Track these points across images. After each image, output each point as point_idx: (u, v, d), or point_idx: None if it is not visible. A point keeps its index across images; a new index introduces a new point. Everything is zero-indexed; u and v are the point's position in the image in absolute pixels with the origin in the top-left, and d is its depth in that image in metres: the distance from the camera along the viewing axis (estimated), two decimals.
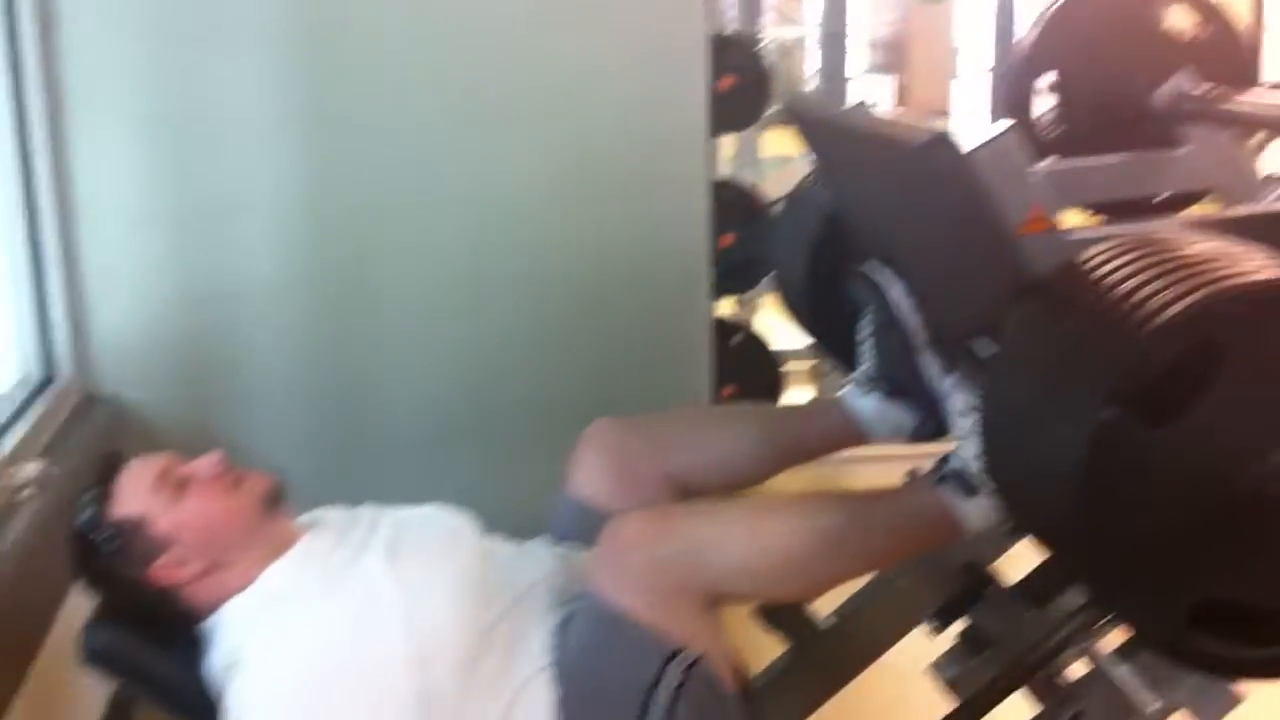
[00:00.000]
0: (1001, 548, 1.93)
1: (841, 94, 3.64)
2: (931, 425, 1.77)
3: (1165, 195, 2.07)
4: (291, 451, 2.64)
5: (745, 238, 3.22)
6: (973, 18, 8.53)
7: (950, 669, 1.77)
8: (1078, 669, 1.68)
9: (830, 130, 1.73)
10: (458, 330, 2.71)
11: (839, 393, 1.91)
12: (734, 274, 3.25)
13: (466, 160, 2.64)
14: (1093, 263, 1.23)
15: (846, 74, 4.18)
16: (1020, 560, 1.85)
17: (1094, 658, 1.58)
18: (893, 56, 10.05)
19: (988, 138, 1.32)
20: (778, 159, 5.43)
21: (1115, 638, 1.64)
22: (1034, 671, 1.68)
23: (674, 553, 1.51)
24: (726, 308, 4.36)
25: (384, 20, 2.56)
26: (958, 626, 1.85)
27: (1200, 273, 1.13)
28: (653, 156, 2.72)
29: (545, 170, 2.67)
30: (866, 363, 1.83)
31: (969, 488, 1.54)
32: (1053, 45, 2.03)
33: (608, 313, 2.76)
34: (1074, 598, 1.72)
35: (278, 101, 2.55)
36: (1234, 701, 1.54)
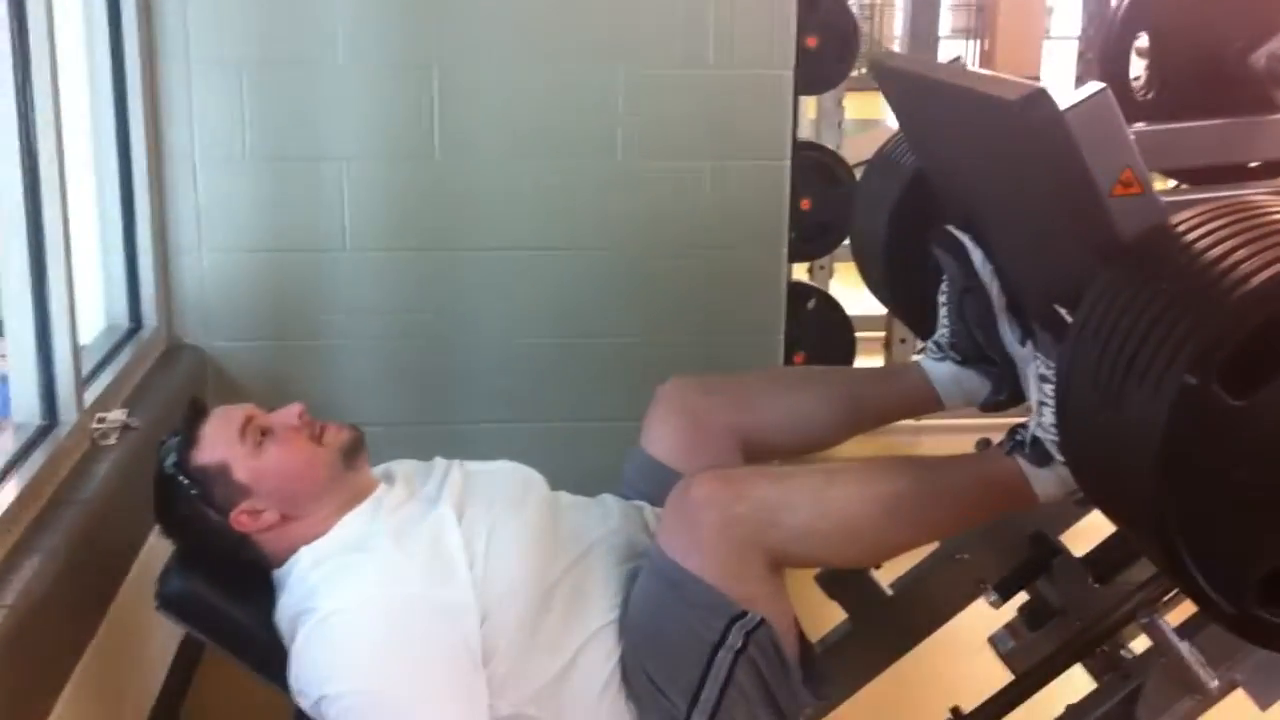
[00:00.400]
0: (1071, 518, 1.92)
1: (931, 56, 3.57)
2: (1005, 393, 1.76)
3: (1260, 162, 2.02)
4: (372, 404, 2.70)
5: (824, 202, 3.21)
6: None
7: (1008, 642, 1.77)
8: (1137, 646, 1.68)
9: (920, 87, 1.71)
10: (540, 287, 2.73)
11: (914, 358, 1.90)
12: (811, 238, 3.24)
13: (553, 113, 2.65)
14: (1182, 227, 1.22)
15: (936, 36, 4.11)
16: (1087, 533, 1.85)
17: (1155, 634, 1.57)
18: (981, 19, 9.88)
19: (1082, 96, 1.30)
20: (860, 122, 5.37)
21: (1177, 614, 1.63)
22: (1094, 646, 1.67)
23: (744, 513, 1.51)
24: (802, 272, 4.36)
25: None
26: (1018, 601, 1.85)
27: None
28: (737, 114, 2.71)
29: (628, 124, 2.67)
30: (943, 328, 1.82)
31: (1043, 456, 1.53)
32: (1147, 5, 1.98)
33: (686, 272, 2.77)
34: (1139, 572, 1.71)
35: (369, 50, 2.57)
36: None
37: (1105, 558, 1.78)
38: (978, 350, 1.75)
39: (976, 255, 1.67)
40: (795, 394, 1.88)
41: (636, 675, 1.55)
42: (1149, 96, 2.01)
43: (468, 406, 2.75)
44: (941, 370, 1.83)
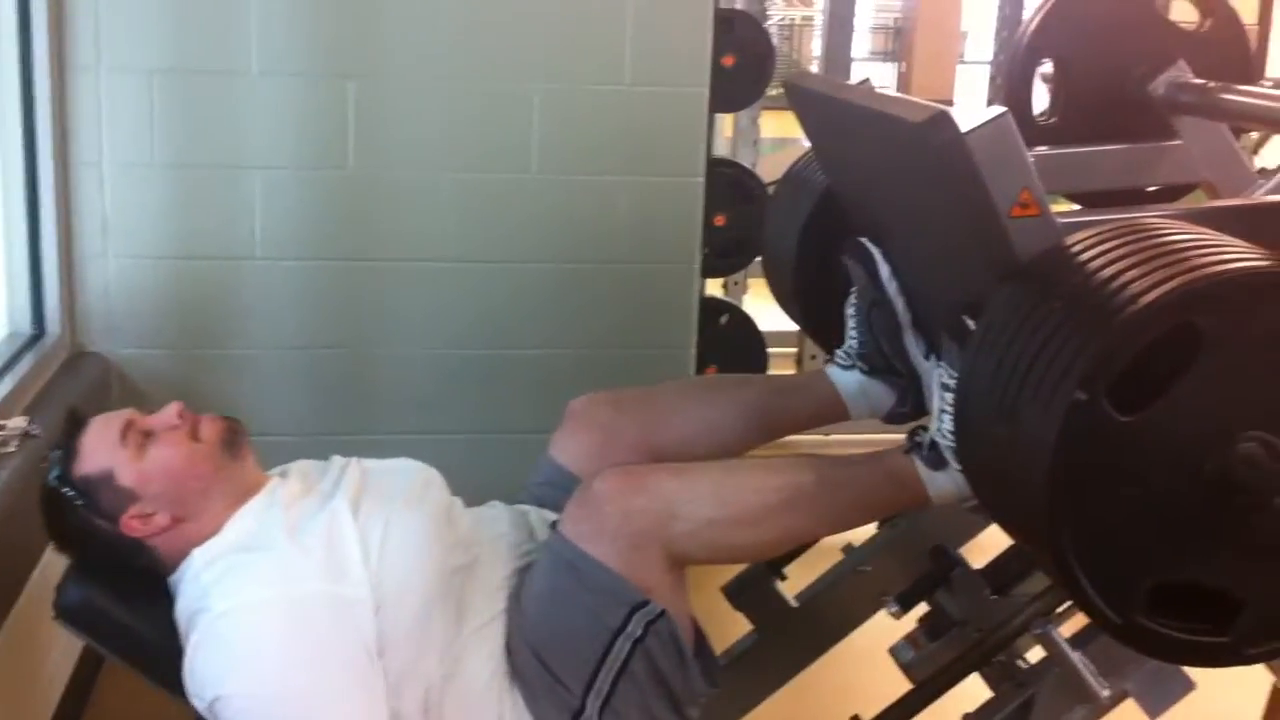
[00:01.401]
0: (970, 532, 1.97)
1: (845, 77, 3.63)
2: (909, 406, 1.80)
3: (1158, 187, 2.08)
4: (284, 414, 2.68)
5: (738, 218, 3.24)
6: (982, 6, 8.50)
7: (909, 652, 1.80)
8: (1033, 656, 1.72)
9: (830, 107, 1.74)
10: (453, 299, 2.73)
11: (824, 367, 1.93)
12: (725, 254, 3.28)
13: (469, 127, 2.65)
14: (1076, 248, 1.26)
15: (851, 58, 4.16)
16: (985, 546, 1.90)
17: (1048, 644, 1.61)
18: (898, 43, 10.04)
19: (983, 120, 1.33)
20: (777, 141, 5.43)
21: (1070, 626, 1.68)
22: (991, 655, 1.71)
23: (645, 504, 1.53)
24: (717, 288, 4.40)
25: None
26: (919, 612, 1.88)
27: (1179, 261, 1.16)
28: (653, 131, 2.73)
29: (545, 140, 2.68)
30: (851, 338, 1.85)
31: (938, 460, 1.57)
32: (1052, 33, 2.03)
33: (599, 286, 2.78)
34: (1035, 584, 1.76)
35: (284, 60, 2.56)
36: (1183, 691, 1.57)
37: (1002, 570, 1.82)
38: (884, 361, 1.79)
39: (884, 270, 1.71)
40: (705, 406, 1.90)
41: (529, 664, 1.56)
42: (1052, 121, 2.06)
43: (380, 417, 2.74)
44: (848, 379, 1.86)
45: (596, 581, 1.52)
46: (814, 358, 3.60)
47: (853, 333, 1.84)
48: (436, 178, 2.65)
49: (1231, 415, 1.17)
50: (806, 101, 1.79)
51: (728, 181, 3.21)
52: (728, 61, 3.13)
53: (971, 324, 1.41)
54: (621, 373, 2.77)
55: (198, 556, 1.54)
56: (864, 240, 1.73)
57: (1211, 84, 1.93)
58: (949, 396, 1.53)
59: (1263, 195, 1.81)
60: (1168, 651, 1.35)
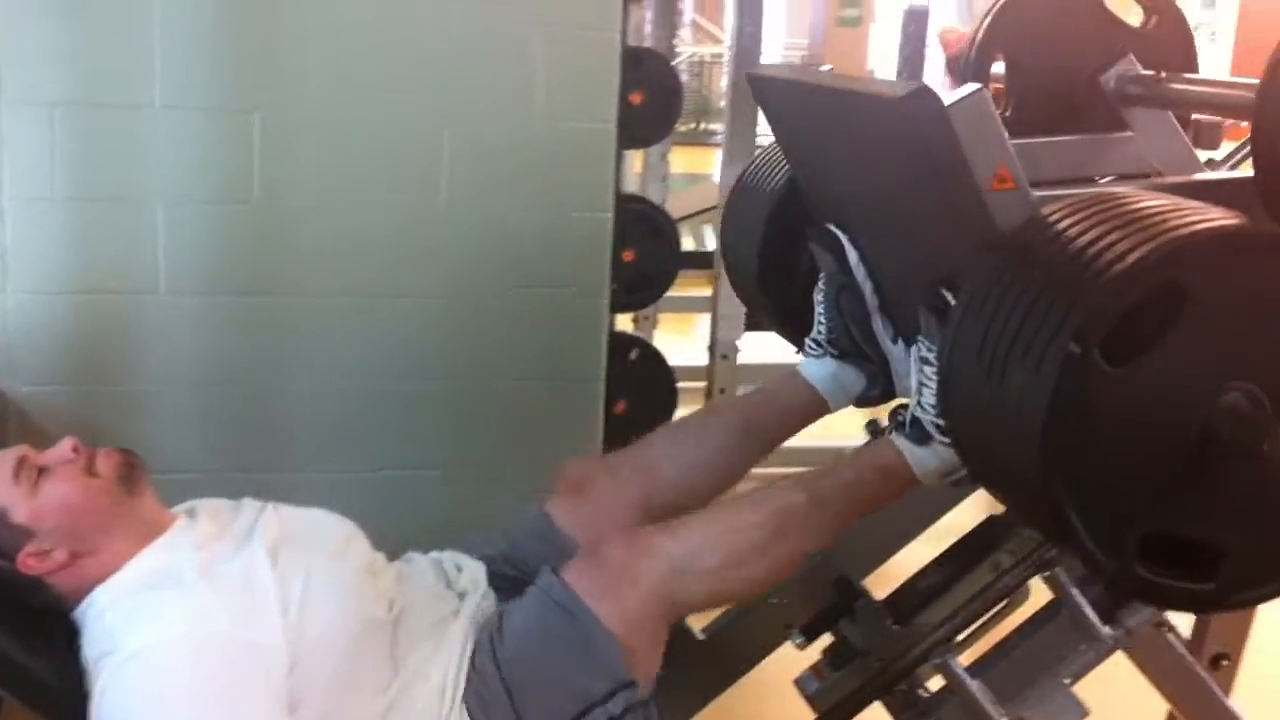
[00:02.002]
0: (873, 563, 2.00)
1: (753, 115, 3.69)
2: (879, 389, 1.84)
3: (1109, 177, 2.12)
4: (189, 452, 2.64)
5: (648, 254, 3.27)
6: (887, 41, 8.66)
7: (813, 683, 1.82)
8: (934, 684, 1.75)
9: (799, 93, 1.77)
10: (362, 333, 2.71)
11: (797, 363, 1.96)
12: (635, 289, 3.30)
13: (376, 160, 2.64)
14: (1055, 217, 1.31)
15: None
16: (888, 578, 1.93)
17: (947, 673, 1.64)
18: None
19: (962, 94, 1.37)
20: (688, 177, 5.48)
21: (969, 655, 1.72)
22: (893, 685, 1.74)
23: (651, 565, 1.57)
24: (627, 323, 4.42)
25: (306, 21, 2.56)
26: (823, 643, 1.91)
27: (1162, 222, 1.22)
28: (561, 166, 2.74)
29: (454, 173, 2.68)
30: (820, 324, 1.88)
31: (922, 435, 1.61)
32: (1003, 31, 2.08)
33: (508, 321, 2.77)
34: (935, 614, 1.79)
35: (188, 93, 2.53)
36: (1078, 717, 1.61)
37: (904, 601, 1.85)
38: (854, 345, 1.83)
39: (852, 255, 1.76)
40: (694, 448, 1.92)
41: (498, 699, 1.55)
42: (1006, 115, 2.12)
43: (286, 453, 2.71)
44: (821, 371, 1.90)
45: (593, 642, 1.54)
46: (723, 391, 3.63)
47: (821, 319, 1.88)
48: (344, 211, 2.64)
49: (1215, 368, 1.23)
50: (771, 91, 1.83)
51: (637, 217, 3.24)
52: (636, 98, 3.16)
53: (950, 297, 1.44)
54: (532, 408, 2.79)
55: (101, 595, 1.52)
56: (831, 227, 1.76)
57: (1159, 75, 2.00)
58: (928, 370, 1.58)
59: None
60: (1160, 598, 1.41)
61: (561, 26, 2.66)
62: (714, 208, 3.99)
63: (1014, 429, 1.25)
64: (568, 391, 2.83)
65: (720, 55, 9.48)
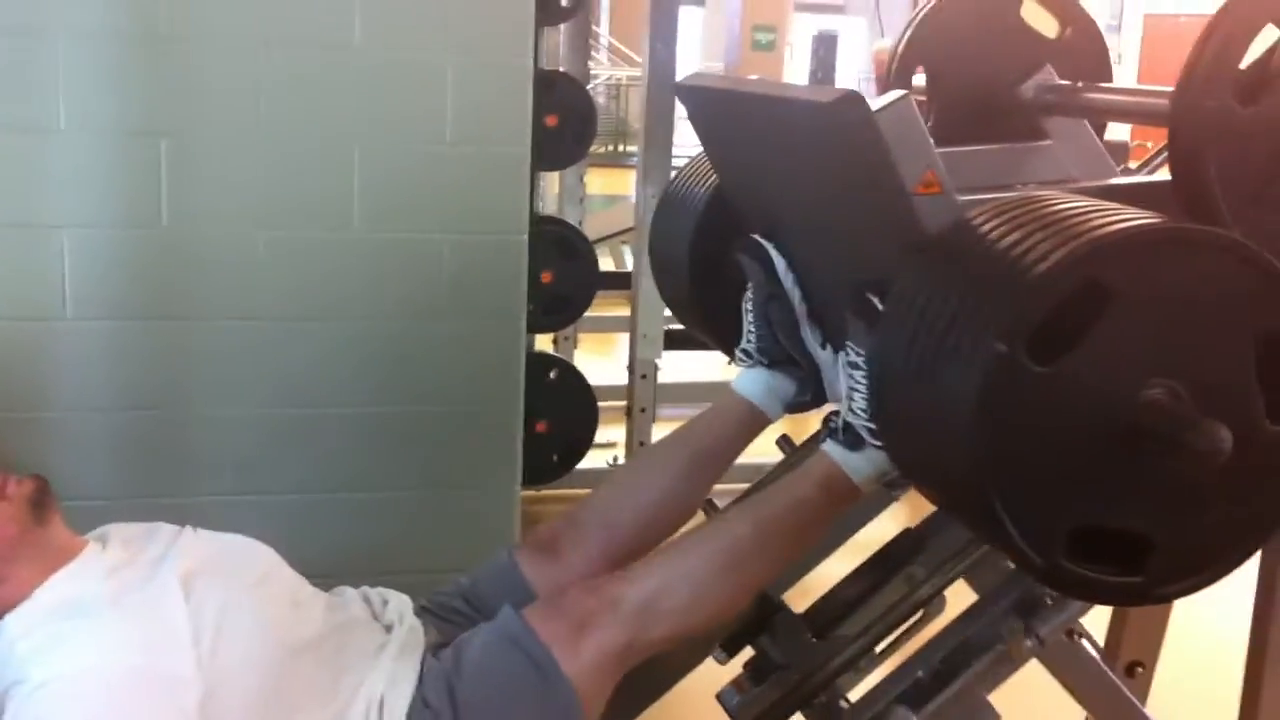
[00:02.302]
0: (791, 578, 2.02)
1: (668, 136, 3.73)
2: (809, 395, 1.86)
3: (1029, 184, 2.17)
4: (98, 478, 2.58)
5: (565, 275, 3.28)
6: (801, 65, 8.79)
7: (734, 697, 1.83)
8: (854, 695, 1.76)
9: (726, 102, 1.77)
10: (275, 358, 2.68)
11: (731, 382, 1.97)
12: (553, 310, 3.32)
13: (287, 184, 2.62)
14: (980, 219, 1.33)
15: (674, 118, 4.27)
16: (806, 592, 1.94)
17: (868, 684, 1.66)
18: None
19: (889, 100, 1.39)
20: (606, 198, 5.51)
21: (886, 667, 1.73)
22: (812, 697, 1.75)
23: (613, 620, 1.58)
24: (547, 343, 4.44)
25: (214, 44, 2.53)
26: (745, 656, 1.91)
27: (1084, 222, 1.24)
28: (476, 189, 2.73)
29: (367, 196, 2.66)
30: (749, 334, 1.89)
31: (855, 440, 1.62)
32: (924, 45, 2.11)
33: (425, 343, 2.76)
34: (853, 626, 1.81)
35: (93, 116, 2.49)
36: None
37: (822, 614, 1.86)
38: (784, 353, 1.84)
39: (780, 264, 1.77)
40: (648, 491, 1.91)
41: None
42: (928, 125, 2.15)
43: (197, 480, 2.66)
44: (754, 383, 1.91)
45: (553, 690, 1.55)
46: (644, 411, 3.65)
47: (750, 328, 1.89)
48: (254, 235, 2.61)
49: (1138, 365, 1.25)
50: (700, 101, 1.84)
51: (553, 238, 3.26)
52: (551, 121, 3.19)
53: (878, 302, 1.46)
54: (451, 430, 2.77)
55: (11, 623, 1.49)
56: (758, 237, 1.78)
57: (1075, 85, 2.04)
58: (858, 374, 1.59)
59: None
60: (1088, 592, 1.42)
61: (473, 52, 2.66)
62: (632, 228, 4.02)
63: (944, 429, 1.27)
64: (486, 413, 2.82)
65: (638, 77, 9.55)
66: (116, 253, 2.56)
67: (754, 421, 1.93)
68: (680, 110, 2.27)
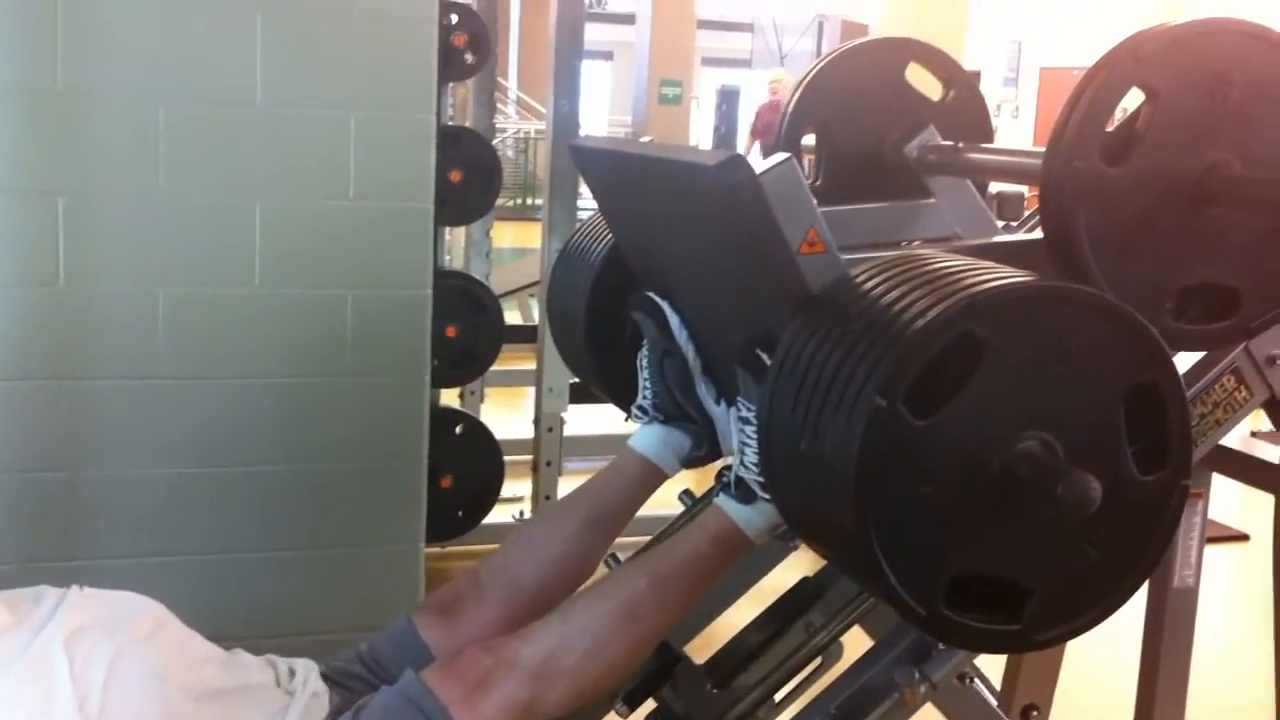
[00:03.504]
0: (693, 629, 2.03)
1: (573, 190, 3.76)
2: (705, 449, 1.87)
3: (913, 241, 2.21)
4: (2, 539, 2.53)
5: (470, 329, 3.29)
6: (706, 119, 8.93)
7: None
8: None
9: (619, 163, 1.80)
10: (175, 416, 2.65)
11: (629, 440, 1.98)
12: (458, 364, 3.32)
13: (187, 241, 2.61)
14: (862, 277, 1.37)
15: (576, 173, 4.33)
16: (708, 643, 1.96)
17: None
18: None
19: (773, 163, 1.43)
20: (515, 250, 5.53)
21: (785, 716, 1.75)
22: None
23: (514, 684, 1.57)
24: (454, 398, 4.43)
25: (111, 100, 2.52)
26: (647, 709, 1.92)
27: (960, 280, 1.28)
28: (378, 244, 2.74)
29: (268, 253, 2.66)
30: (645, 390, 1.91)
31: (747, 494, 1.64)
32: (813, 104, 2.17)
33: (327, 400, 2.75)
34: (753, 675, 1.83)
35: None
36: None
37: (723, 663, 1.88)
38: (679, 409, 1.86)
39: (674, 321, 1.79)
40: (548, 549, 1.91)
41: None
42: (817, 183, 2.20)
43: (95, 542, 2.62)
44: (650, 439, 1.91)
45: None
46: (549, 465, 3.66)
47: (646, 385, 1.90)
48: (154, 292, 2.59)
49: (1012, 417, 1.28)
50: (593, 162, 1.86)
51: (458, 293, 3.27)
52: (455, 176, 3.21)
53: (765, 357, 1.49)
54: (354, 487, 2.76)
55: None
56: (652, 295, 1.80)
57: (958, 145, 2.11)
58: (748, 429, 1.61)
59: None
60: (968, 640, 1.45)
61: (375, 107, 2.68)
62: (539, 282, 4.05)
63: (827, 481, 1.30)
64: (390, 469, 2.81)
65: (545, 131, 9.63)
66: (13, 311, 2.53)
67: (651, 477, 1.95)
68: None
